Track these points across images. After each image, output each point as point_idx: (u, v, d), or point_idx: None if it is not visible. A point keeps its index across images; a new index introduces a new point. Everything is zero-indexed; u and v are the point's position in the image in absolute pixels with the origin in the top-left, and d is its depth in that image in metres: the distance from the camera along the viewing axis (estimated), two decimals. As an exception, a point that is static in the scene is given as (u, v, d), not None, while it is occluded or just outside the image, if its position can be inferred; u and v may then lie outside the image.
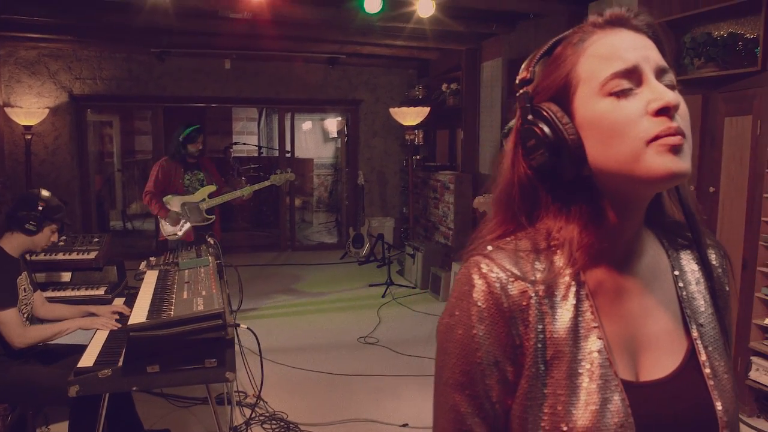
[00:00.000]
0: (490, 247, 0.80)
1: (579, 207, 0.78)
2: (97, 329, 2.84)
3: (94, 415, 2.54)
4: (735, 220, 3.55)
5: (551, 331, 0.75)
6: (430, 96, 7.83)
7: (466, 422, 0.77)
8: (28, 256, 3.15)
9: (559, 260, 0.78)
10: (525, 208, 0.81)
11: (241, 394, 3.72)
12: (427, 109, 6.99)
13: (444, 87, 7.47)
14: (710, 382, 0.79)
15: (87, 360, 2.42)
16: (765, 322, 3.34)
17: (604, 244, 0.78)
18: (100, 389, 2.31)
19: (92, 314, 3.03)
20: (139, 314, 2.38)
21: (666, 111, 0.71)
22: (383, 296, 6.28)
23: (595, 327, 0.77)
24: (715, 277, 0.88)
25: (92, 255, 3.73)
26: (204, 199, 5.04)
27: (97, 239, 3.93)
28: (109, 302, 3.32)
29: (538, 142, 0.75)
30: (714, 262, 0.90)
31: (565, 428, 0.73)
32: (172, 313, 2.36)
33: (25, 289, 2.91)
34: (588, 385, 0.74)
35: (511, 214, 0.82)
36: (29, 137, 7.12)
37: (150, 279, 3.01)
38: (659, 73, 0.74)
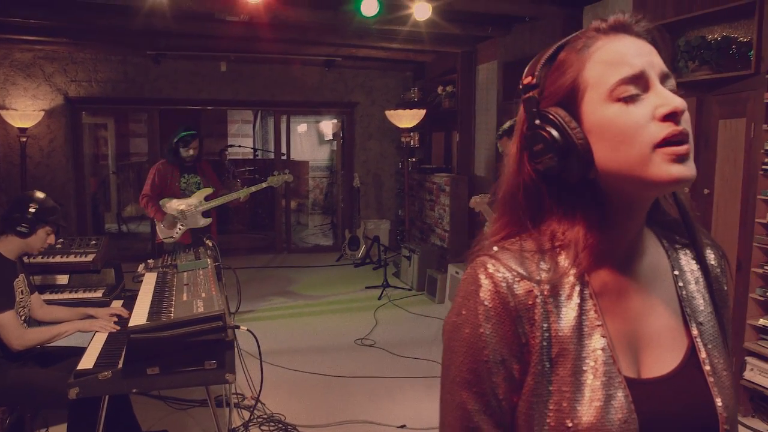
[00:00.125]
0: (495, 248, 0.82)
1: (584, 209, 0.80)
2: (96, 331, 2.84)
3: (93, 417, 2.55)
4: (729, 222, 3.58)
5: (556, 329, 0.77)
6: (426, 98, 7.86)
7: (473, 419, 0.79)
8: (25, 259, 3.15)
9: (564, 260, 0.80)
10: (530, 211, 0.83)
11: (239, 396, 3.72)
12: (422, 112, 7.01)
13: (440, 89, 7.50)
14: (710, 379, 0.82)
15: (86, 362, 2.42)
16: (759, 323, 3.37)
17: (607, 245, 0.81)
18: (100, 391, 2.31)
19: (91, 316, 3.03)
20: (139, 316, 2.38)
21: (673, 116, 0.73)
22: (379, 298, 6.29)
23: (598, 325, 0.79)
24: (713, 277, 0.91)
25: (90, 257, 3.73)
26: (200, 202, 5.05)
27: (94, 242, 3.93)
28: (107, 305, 3.32)
29: (546, 146, 0.77)
30: (713, 262, 0.92)
31: (570, 424, 0.74)
32: (172, 315, 2.37)
33: (22, 291, 2.91)
34: (592, 382, 0.76)
35: (516, 217, 0.84)
36: (24, 140, 7.11)
37: (149, 281, 3.01)
38: (663, 78, 0.76)
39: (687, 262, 0.90)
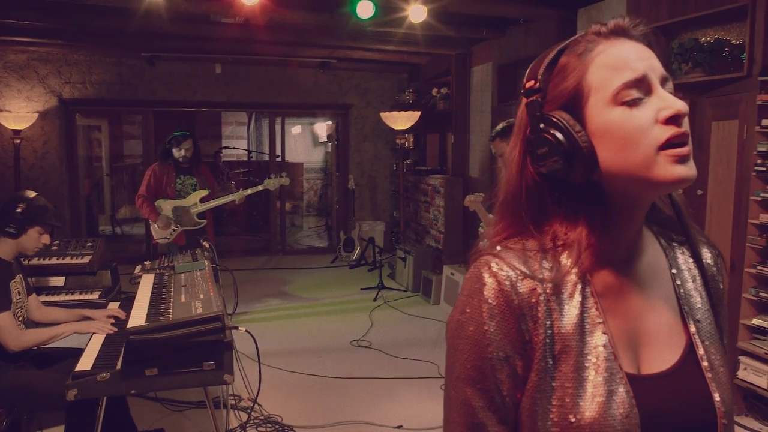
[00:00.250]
0: (498, 247, 0.84)
1: (586, 210, 0.82)
2: (93, 333, 2.83)
3: (90, 419, 2.55)
4: (722, 222, 3.62)
5: (559, 326, 0.79)
6: (421, 100, 7.88)
7: (478, 416, 0.80)
8: (23, 260, 3.15)
9: (566, 260, 0.82)
10: (532, 213, 0.84)
11: (236, 397, 3.73)
12: (417, 114, 7.03)
13: (434, 91, 7.52)
14: (708, 375, 0.84)
15: (84, 363, 2.42)
16: (752, 323, 3.40)
17: (608, 245, 0.83)
18: (99, 392, 2.31)
19: (88, 318, 3.02)
20: (137, 317, 2.39)
21: (676, 119, 0.75)
22: (375, 299, 6.30)
23: (600, 323, 0.80)
24: (710, 275, 0.93)
25: (86, 259, 3.73)
26: (195, 204, 5.05)
27: (90, 244, 3.93)
28: (103, 306, 3.32)
29: (551, 149, 0.79)
30: (709, 261, 0.95)
31: (572, 419, 0.76)
32: (170, 316, 2.37)
33: (19, 292, 2.90)
34: (594, 378, 0.77)
35: (518, 219, 0.85)
36: (18, 141, 7.09)
37: (146, 283, 3.01)
38: (663, 81, 0.79)
39: (684, 260, 0.92)
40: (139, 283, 3.08)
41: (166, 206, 5.01)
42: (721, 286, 0.96)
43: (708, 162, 3.70)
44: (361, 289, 6.73)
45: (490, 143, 3.67)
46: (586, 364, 0.78)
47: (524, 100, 0.84)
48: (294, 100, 8.39)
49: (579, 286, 0.81)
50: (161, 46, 6.92)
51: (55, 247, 3.76)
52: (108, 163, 10.61)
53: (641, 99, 0.77)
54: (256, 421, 3.50)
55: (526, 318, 0.79)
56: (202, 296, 2.60)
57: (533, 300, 0.79)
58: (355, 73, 8.56)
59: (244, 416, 3.52)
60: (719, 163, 3.65)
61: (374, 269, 7.30)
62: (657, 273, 0.88)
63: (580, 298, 0.81)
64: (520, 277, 0.80)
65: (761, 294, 3.34)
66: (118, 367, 2.30)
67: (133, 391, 2.37)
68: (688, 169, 0.75)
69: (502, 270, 0.80)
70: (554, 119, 0.79)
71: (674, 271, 0.90)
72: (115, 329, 2.84)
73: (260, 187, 5.29)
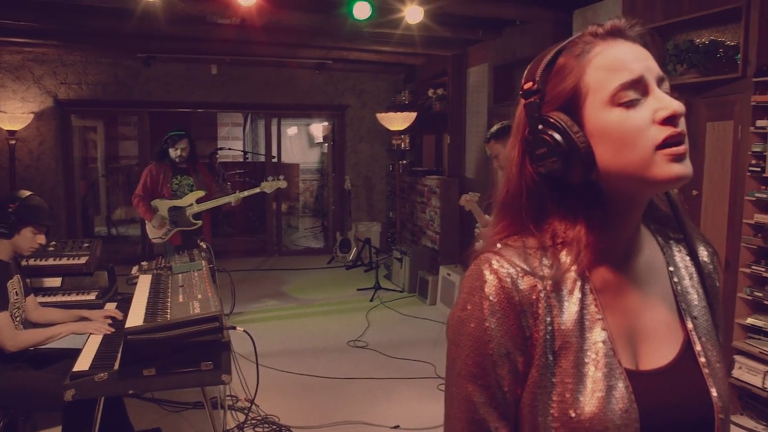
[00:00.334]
0: (499, 245, 0.85)
1: (585, 209, 0.83)
2: (90, 334, 2.83)
3: (87, 419, 2.54)
4: (717, 223, 3.64)
5: (559, 323, 0.80)
6: (417, 101, 7.90)
7: (479, 411, 0.81)
8: (22, 261, 3.14)
9: (565, 257, 0.83)
10: (532, 212, 0.85)
11: (233, 398, 3.73)
12: (413, 114, 7.04)
13: (430, 92, 7.53)
14: (705, 371, 0.85)
15: (82, 364, 2.42)
16: (747, 322, 3.42)
17: (607, 243, 0.84)
18: (96, 393, 2.31)
19: (85, 319, 3.02)
20: (135, 317, 2.39)
21: (672, 119, 0.77)
22: (371, 300, 6.31)
23: (599, 319, 0.81)
24: (706, 273, 0.94)
25: (83, 260, 3.72)
26: (191, 204, 5.06)
27: (87, 244, 3.92)
28: (100, 307, 3.32)
29: (549, 150, 0.80)
30: (705, 259, 0.96)
31: (573, 415, 0.77)
32: (168, 316, 2.38)
33: (16, 293, 2.90)
34: (594, 374, 0.78)
35: (518, 218, 0.86)
36: (13, 142, 7.07)
37: (144, 283, 3.01)
38: (659, 82, 0.80)
39: (681, 258, 0.94)
40: (136, 283, 3.09)
41: (163, 206, 5.02)
42: (717, 284, 0.97)
43: (703, 162, 3.72)
44: (358, 289, 6.73)
45: (485, 145, 3.67)
46: (586, 360, 0.79)
47: (522, 101, 0.85)
48: (290, 101, 8.39)
49: (578, 283, 0.82)
50: (157, 47, 6.92)
51: (51, 248, 3.75)
52: (103, 164, 10.59)
53: (638, 100, 0.78)
54: (253, 421, 3.50)
55: (527, 314, 0.80)
56: (199, 296, 2.60)
57: (534, 297, 0.80)
58: (351, 74, 8.57)
59: (241, 417, 3.52)
60: (714, 163, 3.67)
61: (370, 270, 7.31)
62: (655, 270, 0.90)
63: (579, 295, 0.82)
64: (520, 274, 0.81)
65: (756, 293, 3.36)
66: (116, 367, 2.30)
67: (131, 392, 2.37)
68: (685, 168, 0.77)
69: (503, 267, 0.81)
70: (552, 120, 0.80)
71: (671, 268, 0.91)
72: (113, 330, 2.84)
73: (257, 190, 5.29)
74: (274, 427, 3.48)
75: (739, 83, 3.42)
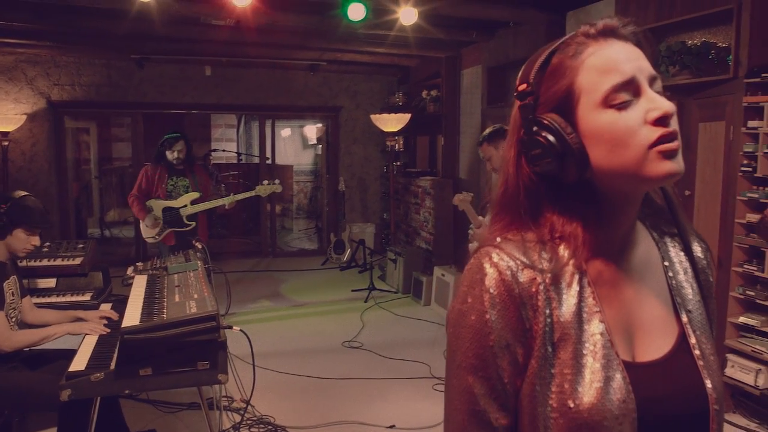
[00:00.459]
0: (499, 239, 0.86)
1: (580, 206, 0.85)
2: (86, 334, 2.83)
3: (83, 420, 2.54)
4: (710, 222, 3.67)
5: (558, 315, 0.82)
6: (411, 102, 7.91)
7: (480, 403, 0.83)
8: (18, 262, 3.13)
9: (564, 251, 0.84)
10: (530, 210, 0.87)
11: (228, 398, 3.73)
12: (407, 116, 7.06)
13: (424, 94, 7.55)
14: (700, 363, 0.87)
15: (78, 364, 2.41)
16: (739, 320, 3.45)
17: (603, 238, 0.86)
18: (93, 393, 2.31)
19: (80, 319, 3.02)
20: (131, 317, 2.39)
21: (664, 119, 0.78)
22: (366, 301, 6.32)
23: (597, 311, 0.83)
24: (700, 268, 0.96)
25: (77, 261, 3.72)
26: (185, 205, 5.07)
27: (81, 245, 3.92)
28: (95, 308, 3.31)
29: (544, 151, 0.82)
30: (699, 254, 0.98)
31: (571, 405, 0.78)
32: (165, 315, 2.37)
33: (13, 293, 2.89)
34: (592, 365, 0.80)
35: (516, 216, 0.88)
36: (6, 144, 7.04)
37: (139, 283, 3.01)
38: (651, 81, 0.82)
39: (676, 253, 0.95)
40: (131, 284, 3.08)
41: (157, 206, 5.05)
42: (711, 279, 0.99)
43: (695, 163, 3.75)
44: (352, 290, 6.74)
45: (479, 148, 3.69)
46: (584, 352, 0.81)
47: (517, 103, 0.87)
48: (284, 102, 8.39)
49: (576, 277, 0.84)
50: (151, 48, 6.90)
51: (46, 249, 3.75)
52: (96, 165, 10.55)
53: (630, 101, 0.79)
54: (249, 422, 3.50)
55: (527, 307, 0.81)
56: (196, 296, 2.60)
57: (533, 289, 0.81)
58: (345, 75, 8.58)
59: (236, 417, 3.52)
60: (706, 163, 3.70)
61: (365, 271, 7.31)
62: (650, 265, 0.91)
63: (577, 288, 0.83)
64: (520, 267, 0.82)
65: (748, 292, 3.39)
66: (112, 367, 2.30)
67: (127, 391, 2.37)
68: (676, 165, 0.78)
69: (503, 260, 0.82)
70: (546, 122, 0.82)
71: (666, 263, 0.93)
72: (108, 330, 2.84)
73: (252, 193, 5.30)
74: (270, 427, 3.48)
75: (730, 84, 3.45)
